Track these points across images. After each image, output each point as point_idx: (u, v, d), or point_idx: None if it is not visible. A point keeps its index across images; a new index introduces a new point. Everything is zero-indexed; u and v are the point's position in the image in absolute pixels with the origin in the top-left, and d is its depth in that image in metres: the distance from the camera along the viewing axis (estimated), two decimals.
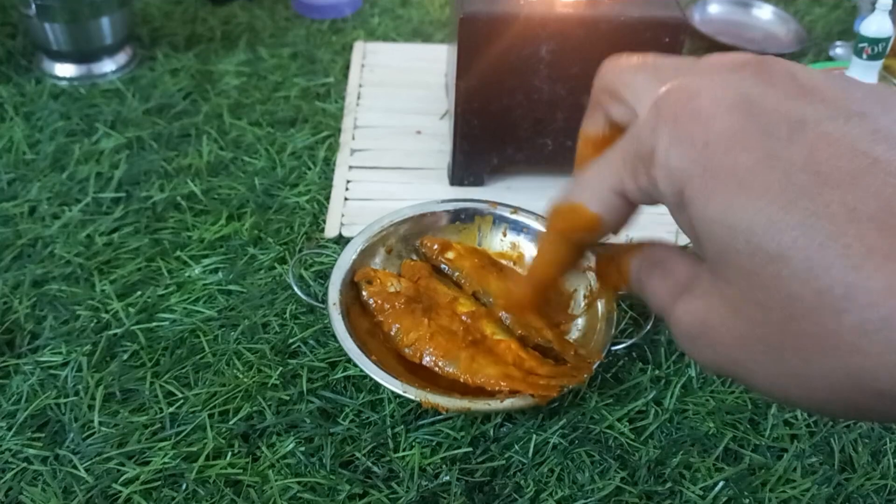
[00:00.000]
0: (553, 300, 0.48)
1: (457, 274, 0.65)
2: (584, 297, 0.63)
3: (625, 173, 0.26)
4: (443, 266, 0.65)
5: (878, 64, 0.84)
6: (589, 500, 0.52)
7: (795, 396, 0.24)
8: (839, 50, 1.03)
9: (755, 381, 0.25)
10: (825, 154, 0.22)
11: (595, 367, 0.57)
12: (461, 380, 0.56)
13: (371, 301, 0.62)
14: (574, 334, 0.62)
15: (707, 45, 1.02)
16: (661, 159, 0.25)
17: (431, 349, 0.58)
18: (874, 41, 0.81)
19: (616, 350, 0.60)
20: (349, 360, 0.58)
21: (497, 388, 0.54)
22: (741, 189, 0.23)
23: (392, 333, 0.60)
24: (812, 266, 0.21)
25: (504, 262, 0.67)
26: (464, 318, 0.60)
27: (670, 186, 0.25)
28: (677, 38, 0.68)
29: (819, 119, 0.23)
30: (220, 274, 0.67)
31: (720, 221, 0.23)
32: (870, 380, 0.21)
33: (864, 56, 0.81)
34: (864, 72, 0.82)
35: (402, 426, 0.56)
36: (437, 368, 0.57)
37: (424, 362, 0.58)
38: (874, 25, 0.81)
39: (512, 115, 0.72)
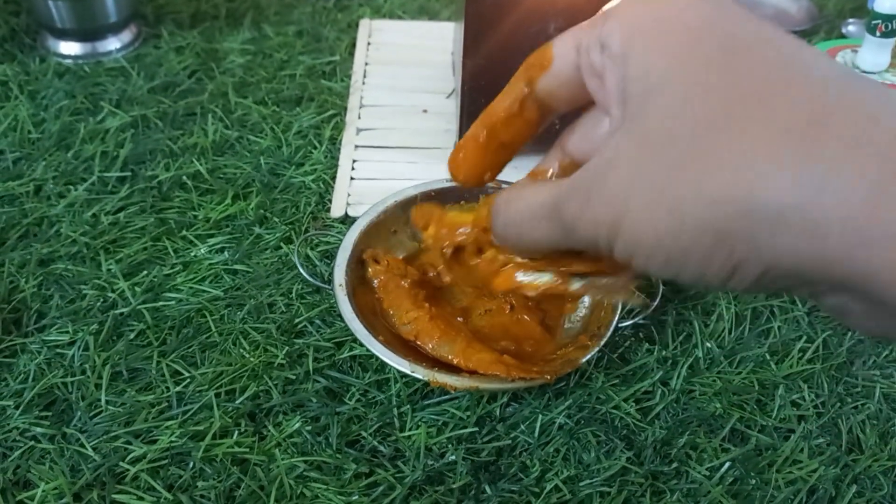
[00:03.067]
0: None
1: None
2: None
3: (585, 27, 0.29)
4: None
5: (892, 41, 0.83)
6: (595, 479, 0.52)
7: (660, 232, 0.24)
8: (851, 27, 1.01)
9: (628, 218, 0.25)
10: (754, 62, 0.24)
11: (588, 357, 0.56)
12: (454, 362, 0.56)
13: (375, 280, 0.62)
14: (581, 312, 0.61)
15: None
16: (613, 17, 0.27)
17: (429, 330, 0.58)
18: (888, 18, 0.80)
19: (622, 330, 0.60)
20: (355, 340, 0.58)
21: (490, 373, 0.54)
22: (668, 49, 0.25)
23: (391, 312, 0.60)
24: (713, 120, 0.23)
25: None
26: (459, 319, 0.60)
27: (614, 41, 0.27)
28: None
29: (759, 41, 0.25)
30: (225, 253, 0.67)
31: (648, 74, 0.25)
32: (741, 202, 0.22)
33: (878, 33, 0.80)
34: (878, 49, 0.81)
35: (408, 406, 0.56)
36: (430, 348, 0.57)
37: (420, 342, 0.58)
38: (888, 2, 0.80)
39: None
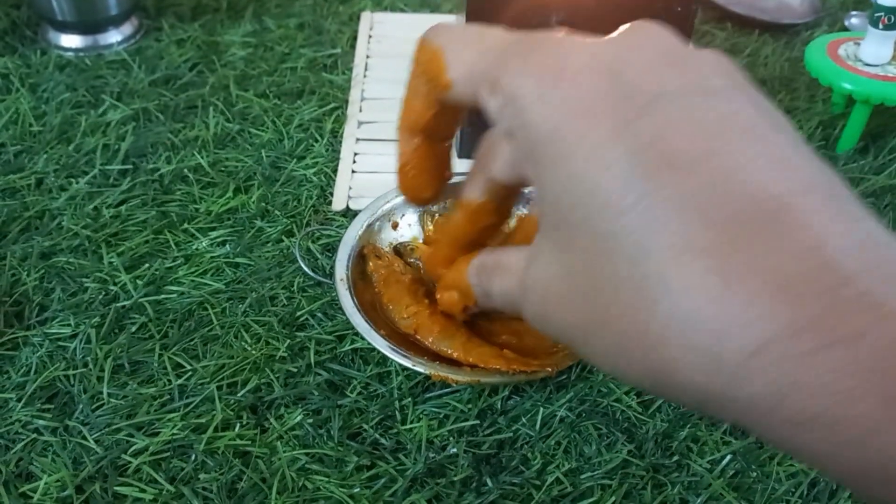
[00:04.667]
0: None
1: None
2: None
3: (483, 84, 0.27)
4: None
5: (895, 34, 0.82)
6: (596, 472, 0.52)
7: (610, 372, 0.24)
8: (854, 20, 1.01)
9: (586, 354, 0.25)
10: (671, 134, 0.21)
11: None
12: (454, 356, 0.56)
13: (375, 275, 0.62)
14: None
15: (719, 14, 1.00)
16: (520, 106, 0.24)
17: (429, 324, 0.58)
18: (891, 10, 0.80)
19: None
20: (356, 334, 0.58)
21: (491, 367, 0.54)
22: (587, 163, 0.22)
23: (390, 307, 0.60)
24: (639, 251, 0.21)
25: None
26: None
27: (524, 137, 0.24)
28: (689, 7, 0.67)
29: (675, 93, 0.22)
30: (227, 246, 0.67)
31: (563, 192, 0.23)
32: (671, 372, 0.21)
33: (881, 26, 0.80)
34: (881, 42, 0.80)
35: (410, 399, 0.56)
36: (429, 343, 0.57)
37: (420, 336, 0.58)
38: None
39: None
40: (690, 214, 0.20)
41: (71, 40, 0.90)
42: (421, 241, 0.66)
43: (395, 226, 0.66)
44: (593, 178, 0.22)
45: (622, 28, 0.25)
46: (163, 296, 0.63)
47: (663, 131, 0.21)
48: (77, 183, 0.73)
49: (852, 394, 0.18)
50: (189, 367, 0.57)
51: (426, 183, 0.36)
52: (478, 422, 0.55)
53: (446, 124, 0.33)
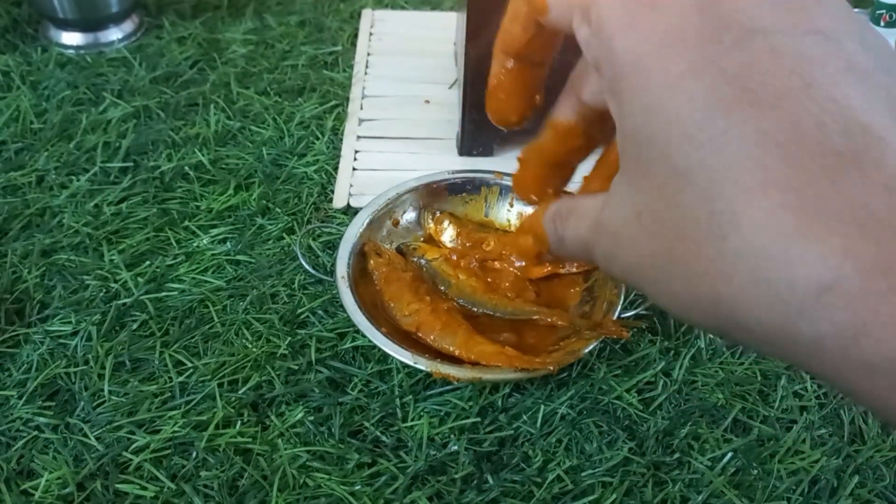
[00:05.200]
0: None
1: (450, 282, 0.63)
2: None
3: (576, 11, 0.26)
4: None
5: None
6: (597, 470, 0.52)
7: (676, 312, 0.23)
8: None
9: (650, 293, 0.24)
10: (762, 69, 0.20)
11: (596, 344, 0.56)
12: (456, 354, 0.56)
13: (376, 273, 0.62)
14: (584, 303, 0.61)
15: None
16: (607, 34, 0.24)
17: (430, 322, 0.58)
18: (892, 8, 0.80)
19: (624, 320, 0.60)
20: (357, 331, 0.58)
21: (492, 364, 0.54)
22: (668, 94, 0.22)
23: (392, 304, 0.60)
24: (711, 187, 0.20)
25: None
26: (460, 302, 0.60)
27: (609, 67, 0.24)
28: None
29: (774, 31, 0.21)
30: (228, 244, 0.67)
31: (643, 125, 0.22)
32: (730, 310, 0.21)
33: (882, 23, 0.80)
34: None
35: (411, 396, 0.56)
36: (431, 340, 0.57)
37: (421, 334, 0.58)
38: None
39: None
40: (770, 150, 0.20)
41: (72, 38, 0.90)
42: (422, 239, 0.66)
43: (395, 223, 0.66)
44: (673, 109, 0.21)
45: None
46: (164, 293, 0.63)
47: (752, 66, 0.21)
48: (78, 180, 0.73)
49: None
50: (190, 365, 0.57)
51: (514, 107, 0.36)
52: (479, 419, 0.55)
53: (542, 49, 0.32)
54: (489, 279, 0.62)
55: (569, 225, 0.30)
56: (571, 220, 0.30)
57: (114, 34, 0.91)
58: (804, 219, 0.19)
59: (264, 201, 0.71)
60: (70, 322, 0.60)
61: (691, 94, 0.21)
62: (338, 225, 0.68)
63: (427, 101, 0.84)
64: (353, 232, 0.63)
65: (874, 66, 0.21)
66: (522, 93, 0.35)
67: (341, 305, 0.58)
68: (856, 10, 1.01)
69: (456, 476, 0.52)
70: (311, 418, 0.54)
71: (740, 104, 0.20)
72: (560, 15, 0.28)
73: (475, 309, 0.60)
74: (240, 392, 0.56)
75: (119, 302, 0.62)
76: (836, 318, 0.18)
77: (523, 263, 0.61)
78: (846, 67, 0.20)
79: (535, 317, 0.58)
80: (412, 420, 0.55)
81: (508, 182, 0.67)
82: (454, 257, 0.63)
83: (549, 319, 0.58)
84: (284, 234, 0.68)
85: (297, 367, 0.57)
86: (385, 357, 0.58)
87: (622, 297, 0.58)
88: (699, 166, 0.21)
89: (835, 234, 0.18)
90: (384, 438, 0.54)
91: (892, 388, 0.18)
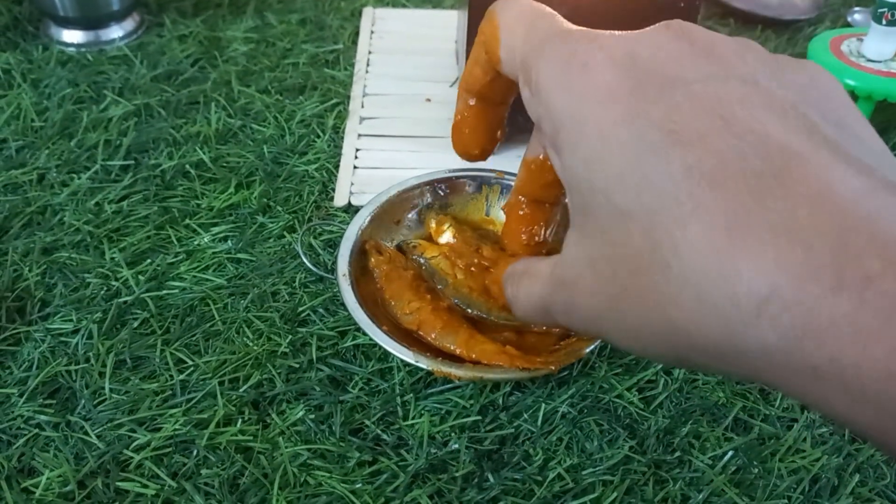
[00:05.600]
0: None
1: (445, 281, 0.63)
2: None
3: (521, 71, 0.28)
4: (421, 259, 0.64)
5: None
6: (597, 468, 0.52)
7: (638, 350, 0.25)
8: (857, 16, 1.01)
9: (612, 338, 0.26)
10: (684, 113, 0.22)
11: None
12: (457, 353, 0.56)
13: (377, 271, 0.62)
14: None
15: (722, 10, 1.00)
16: (545, 95, 0.26)
17: (431, 320, 0.58)
18: (894, 6, 0.79)
19: None
20: (358, 329, 0.58)
21: (493, 363, 0.54)
22: (602, 143, 0.23)
23: (392, 302, 0.60)
24: (650, 221, 0.22)
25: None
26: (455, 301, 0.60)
27: (549, 124, 0.26)
28: (692, 2, 0.67)
29: (693, 80, 0.23)
30: (229, 242, 0.67)
31: (583, 176, 0.24)
32: (684, 333, 0.22)
33: (884, 22, 0.79)
34: (884, 38, 0.80)
35: (412, 394, 0.56)
36: (432, 339, 0.57)
37: (422, 332, 0.57)
38: None
39: None
40: (697, 180, 0.21)
41: (73, 36, 0.90)
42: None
43: (397, 222, 0.66)
44: (608, 157, 0.23)
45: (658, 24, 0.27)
46: (164, 291, 0.63)
47: (674, 111, 0.22)
48: (79, 178, 0.73)
49: (862, 337, 0.18)
50: (191, 363, 0.57)
51: (476, 141, 0.38)
52: (479, 418, 0.55)
53: (501, 91, 0.35)
54: (486, 281, 0.62)
55: (522, 286, 0.33)
56: (524, 280, 0.32)
57: (115, 32, 0.91)
58: (736, 236, 0.20)
59: (265, 199, 0.71)
60: (71, 320, 0.60)
61: (622, 141, 0.23)
62: (339, 223, 0.68)
63: (428, 100, 0.84)
64: (354, 230, 0.63)
65: (792, 101, 0.22)
66: (485, 129, 0.38)
67: (342, 303, 0.58)
68: (857, 7, 1.01)
69: (456, 474, 0.52)
70: (312, 416, 0.54)
71: (666, 144, 0.22)
72: (509, 71, 0.30)
73: (470, 310, 0.60)
74: (240, 390, 0.56)
75: (120, 300, 0.62)
76: (778, 327, 0.19)
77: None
78: (763, 103, 0.22)
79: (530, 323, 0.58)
80: (413, 418, 0.55)
81: (509, 181, 0.67)
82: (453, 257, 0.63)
83: (545, 327, 0.58)
84: (285, 233, 0.68)
85: (297, 366, 0.57)
86: (386, 355, 0.58)
87: None
88: (637, 204, 0.22)
89: (766, 246, 0.19)
90: (385, 437, 0.54)
91: (837, 390, 0.19)
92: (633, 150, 0.22)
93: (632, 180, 0.22)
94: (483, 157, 0.39)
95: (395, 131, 0.80)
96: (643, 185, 0.22)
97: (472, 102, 0.36)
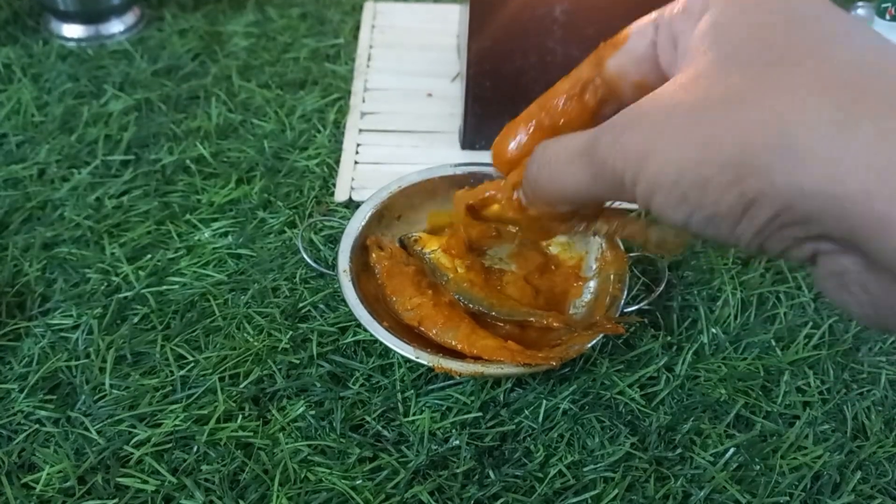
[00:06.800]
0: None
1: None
2: (595, 259, 0.63)
3: (665, 8, 0.30)
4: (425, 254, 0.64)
5: None
6: (599, 465, 0.52)
7: (676, 174, 0.25)
8: (861, 10, 1.00)
9: (668, 156, 0.26)
10: (792, 30, 0.25)
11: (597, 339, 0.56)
12: (458, 348, 0.56)
13: (378, 267, 0.61)
14: (586, 297, 0.61)
15: None
16: None
17: (432, 316, 0.57)
18: None
19: (626, 314, 0.60)
20: (359, 325, 0.57)
21: (494, 359, 0.54)
22: (739, 10, 0.27)
23: (394, 298, 0.59)
24: (743, 72, 0.24)
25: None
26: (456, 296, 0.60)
27: (699, 3, 0.28)
28: None
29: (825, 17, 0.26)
30: (229, 237, 0.67)
31: (718, 25, 0.27)
32: (764, 167, 0.23)
33: (888, 17, 0.79)
34: (888, 33, 0.80)
35: (412, 391, 0.56)
36: (433, 334, 0.57)
37: (423, 328, 0.57)
38: None
39: (525, 78, 0.71)
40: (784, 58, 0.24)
41: (73, 30, 0.90)
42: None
43: (398, 217, 0.66)
44: (747, 46, 0.26)
45: None
46: (165, 287, 0.63)
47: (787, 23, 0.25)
48: (79, 173, 0.72)
49: None
50: (191, 359, 0.57)
51: (518, 155, 0.38)
52: (480, 414, 0.55)
53: (571, 115, 0.35)
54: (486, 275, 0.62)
55: (557, 144, 0.31)
56: (561, 141, 0.31)
57: (115, 26, 0.91)
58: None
59: (266, 195, 0.71)
60: (71, 315, 0.60)
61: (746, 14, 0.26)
62: (339, 219, 0.68)
63: (429, 95, 0.84)
64: (354, 226, 0.63)
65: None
66: (529, 150, 0.37)
67: (343, 299, 0.58)
68: (860, 2, 1.00)
69: (457, 471, 0.51)
70: (313, 412, 0.54)
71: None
72: (642, 36, 0.31)
73: (471, 305, 0.60)
74: (241, 386, 0.56)
75: (120, 295, 0.62)
76: (877, 150, 0.21)
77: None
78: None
79: (530, 318, 0.58)
80: (414, 414, 0.55)
81: None
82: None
83: (545, 321, 0.58)
84: (286, 228, 0.68)
85: (298, 362, 0.57)
86: (387, 351, 0.58)
87: (625, 292, 0.58)
88: (746, 57, 0.25)
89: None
90: (385, 433, 0.54)
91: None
92: (750, 29, 0.26)
93: (744, 38, 0.25)
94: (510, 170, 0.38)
95: (397, 126, 0.80)
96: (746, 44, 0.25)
97: (540, 115, 0.36)
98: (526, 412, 0.55)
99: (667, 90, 0.26)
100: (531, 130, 0.36)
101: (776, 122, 0.22)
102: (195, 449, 0.52)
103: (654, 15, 0.30)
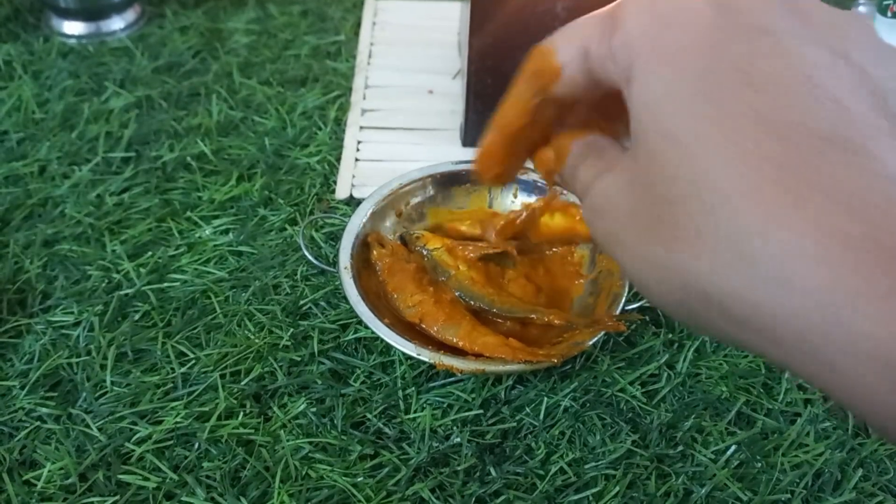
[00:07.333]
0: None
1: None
2: (597, 256, 0.63)
3: (595, 32, 0.26)
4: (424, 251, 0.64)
5: None
6: (600, 462, 0.52)
7: (649, 285, 0.24)
8: (862, 8, 1.00)
9: (625, 261, 0.25)
10: (766, 61, 0.21)
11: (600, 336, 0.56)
12: (459, 345, 0.56)
13: (378, 264, 0.61)
14: (588, 294, 0.61)
15: None
16: (624, 26, 0.25)
17: (434, 313, 0.57)
18: None
19: (628, 312, 0.59)
20: (360, 322, 0.57)
21: (496, 356, 0.54)
22: (671, 70, 0.22)
23: (395, 295, 0.59)
24: (698, 154, 0.21)
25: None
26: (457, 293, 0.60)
27: (624, 55, 0.24)
28: None
29: (786, 34, 0.22)
30: (230, 235, 0.67)
31: (644, 99, 0.23)
32: (703, 280, 0.21)
33: (889, 14, 0.79)
34: (889, 31, 0.80)
35: (413, 388, 0.56)
36: (434, 331, 0.57)
37: (424, 325, 0.57)
38: None
39: None
40: (762, 129, 0.20)
41: (74, 27, 0.90)
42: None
43: (399, 213, 0.66)
44: (672, 85, 0.22)
45: None
46: (166, 284, 0.63)
47: (758, 55, 0.21)
48: (80, 170, 0.72)
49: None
50: (192, 356, 0.57)
51: (495, 172, 0.37)
52: (482, 411, 0.55)
53: (536, 132, 0.33)
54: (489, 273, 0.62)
55: (588, 163, 0.30)
56: (591, 160, 0.30)
57: (116, 23, 0.91)
58: (783, 192, 0.19)
59: (267, 192, 0.71)
60: (72, 312, 0.60)
61: (692, 71, 0.22)
62: (340, 216, 0.68)
63: (430, 92, 0.84)
64: (356, 223, 0.63)
65: (883, 88, 0.21)
66: (505, 166, 0.36)
67: (344, 296, 0.58)
68: (861, 0, 1.00)
69: (458, 468, 0.51)
70: (314, 410, 0.54)
71: (740, 85, 0.21)
72: (575, 68, 0.28)
73: (472, 302, 0.60)
74: (242, 383, 0.56)
75: (121, 292, 0.62)
76: (807, 296, 0.18)
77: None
78: (852, 80, 0.21)
79: (532, 315, 0.58)
80: (415, 412, 0.55)
81: None
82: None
83: (547, 319, 0.57)
84: (287, 225, 0.68)
85: (299, 359, 0.57)
86: (388, 348, 0.58)
87: (626, 290, 0.58)
88: (689, 133, 0.21)
89: (812, 208, 0.19)
90: (387, 430, 0.54)
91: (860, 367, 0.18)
92: (699, 81, 0.21)
93: (692, 109, 0.21)
94: (495, 184, 0.38)
95: (398, 123, 0.80)
96: (703, 117, 0.21)
97: (501, 141, 0.35)
98: (527, 409, 0.55)
99: (619, 190, 0.25)
100: (503, 152, 0.35)
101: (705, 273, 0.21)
102: (196, 446, 0.52)
103: (578, 40, 0.27)
